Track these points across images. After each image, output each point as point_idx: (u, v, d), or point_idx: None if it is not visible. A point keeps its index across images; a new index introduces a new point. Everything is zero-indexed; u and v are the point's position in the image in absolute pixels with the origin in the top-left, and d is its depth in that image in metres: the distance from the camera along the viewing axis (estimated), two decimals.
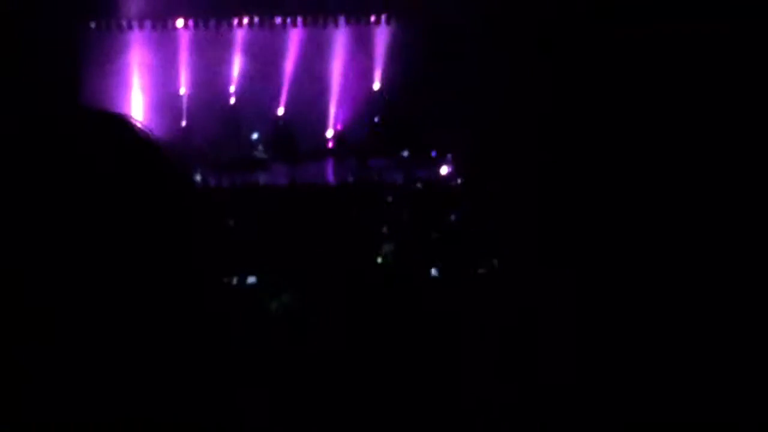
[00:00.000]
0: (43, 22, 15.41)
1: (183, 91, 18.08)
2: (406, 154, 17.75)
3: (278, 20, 18.19)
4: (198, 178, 16.87)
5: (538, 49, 15.48)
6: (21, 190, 1.24)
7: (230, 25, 18.04)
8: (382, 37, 18.31)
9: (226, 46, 18.08)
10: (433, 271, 12.02)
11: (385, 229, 13.57)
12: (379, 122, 18.41)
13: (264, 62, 18.08)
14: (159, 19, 17.65)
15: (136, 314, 1.22)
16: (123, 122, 1.39)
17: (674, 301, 7.27)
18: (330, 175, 17.96)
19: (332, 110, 18.37)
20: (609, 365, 6.20)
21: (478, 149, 16.23)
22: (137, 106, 17.63)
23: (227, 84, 18.26)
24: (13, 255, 1.20)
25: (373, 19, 18.39)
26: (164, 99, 17.83)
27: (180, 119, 17.96)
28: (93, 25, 17.20)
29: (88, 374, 1.19)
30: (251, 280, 11.95)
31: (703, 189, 9.82)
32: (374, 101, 18.51)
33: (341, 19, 18.34)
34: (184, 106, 18.00)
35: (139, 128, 1.38)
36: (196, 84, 18.03)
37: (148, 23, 17.60)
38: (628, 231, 10.81)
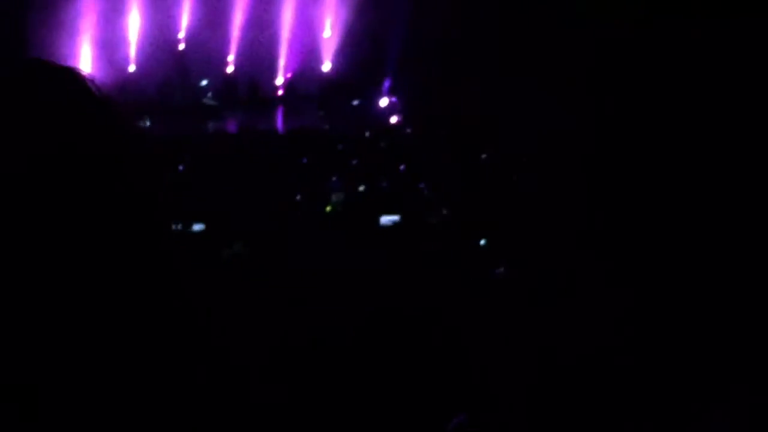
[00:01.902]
0: None
1: (131, 37, 17.92)
2: (356, 102, 17.74)
3: None
4: (147, 124, 16.76)
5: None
6: None
7: None
8: None
9: None
10: (383, 220, 12.04)
11: (334, 178, 13.55)
12: (330, 71, 18.37)
13: (214, 8, 17.94)
14: None
15: (78, 263, 1.24)
16: (70, 74, 1.40)
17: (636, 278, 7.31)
18: (280, 124, 17.91)
19: (282, 58, 18.30)
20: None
21: (426, 98, 16.24)
22: (85, 52, 17.45)
23: (176, 30, 18.11)
24: None
25: None
26: (112, 46, 17.65)
27: (128, 66, 17.81)
28: None
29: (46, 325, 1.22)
30: (199, 227, 11.91)
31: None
32: (325, 49, 18.45)
33: None
34: (132, 52, 17.84)
35: (86, 80, 1.39)
36: (144, 30, 17.87)
37: None
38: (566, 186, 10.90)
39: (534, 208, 10.72)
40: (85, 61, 17.31)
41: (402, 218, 12.10)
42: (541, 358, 5.31)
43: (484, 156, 14.15)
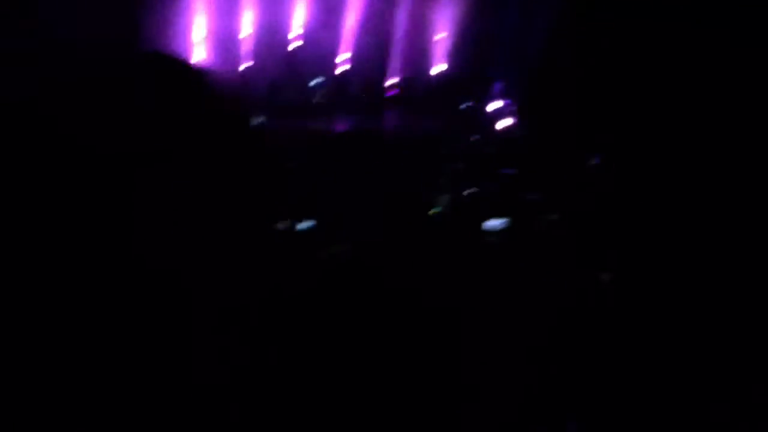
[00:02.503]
0: None
1: (246, 33, 18.04)
2: (467, 105, 17.66)
3: None
4: (260, 120, 16.91)
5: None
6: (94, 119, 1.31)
7: None
8: None
9: None
10: (489, 224, 11.96)
11: (442, 181, 13.52)
12: (442, 73, 18.32)
13: (329, 7, 18.01)
14: None
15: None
16: (186, 67, 1.41)
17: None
18: (390, 124, 17.91)
19: (395, 59, 18.29)
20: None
21: (541, 102, 16.13)
22: (199, 47, 17.63)
23: (291, 28, 18.19)
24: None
25: None
26: (227, 41, 17.82)
27: (242, 62, 17.96)
28: None
29: None
30: (306, 225, 11.97)
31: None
32: (438, 52, 18.40)
33: None
34: (247, 48, 17.98)
35: (201, 73, 1.41)
36: (259, 27, 17.99)
37: None
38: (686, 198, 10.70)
39: (645, 213, 10.57)
40: (198, 55, 17.51)
41: (509, 222, 12.00)
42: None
43: (596, 161, 13.98)
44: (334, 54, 18.17)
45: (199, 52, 17.46)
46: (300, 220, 11.82)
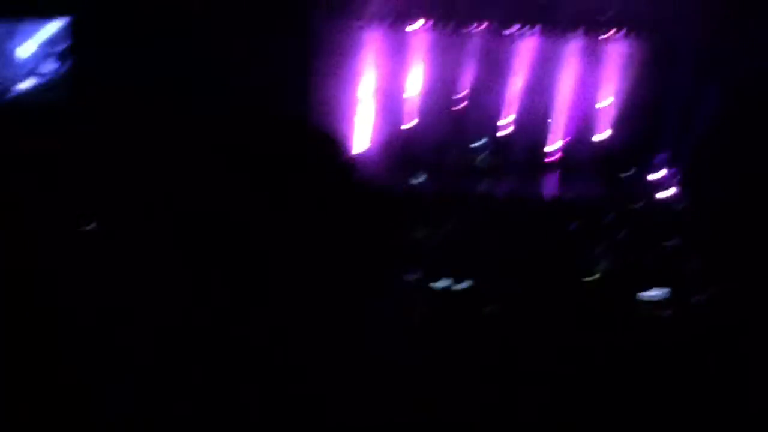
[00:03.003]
0: (281, 13, 15.84)
1: (411, 92, 18.19)
2: (630, 172, 17.49)
3: (516, 27, 18.07)
4: (420, 180, 17.04)
5: None
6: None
7: (467, 29, 18.02)
8: (613, 52, 18.01)
9: (458, 51, 18.09)
10: (646, 294, 11.79)
11: (600, 248, 13.39)
12: (605, 139, 18.19)
13: (493, 69, 18.05)
14: (398, 18, 17.81)
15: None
16: (331, 142, 1.55)
17: None
18: (550, 189, 17.84)
19: (558, 123, 18.22)
20: None
21: (706, 173, 15.84)
22: (365, 104, 17.84)
23: (456, 89, 18.28)
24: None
25: (610, 33, 18.09)
26: (392, 99, 18.00)
27: (406, 121, 18.12)
28: (329, 20, 17.40)
29: None
30: (460, 285, 11.98)
31: None
32: (602, 118, 18.28)
33: (579, 31, 18.09)
34: (411, 107, 18.14)
35: (343, 150, 1.53)
36: (424, 87, 18.13)
37: (385, 22, 17.76)
38: None
39: None
40: (364, 110, 17.76)
41: (666, 294, 11.81)
42: None
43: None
44: (497, 116, 18.18)
45: (364, 108, 17.66)
46: (453, 280, 11.84)
